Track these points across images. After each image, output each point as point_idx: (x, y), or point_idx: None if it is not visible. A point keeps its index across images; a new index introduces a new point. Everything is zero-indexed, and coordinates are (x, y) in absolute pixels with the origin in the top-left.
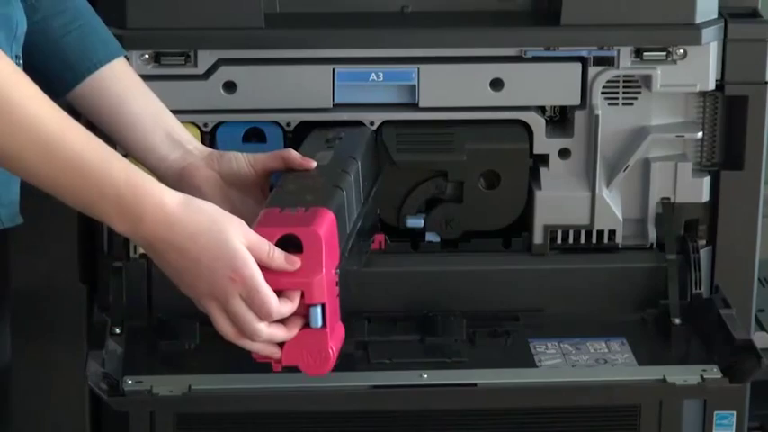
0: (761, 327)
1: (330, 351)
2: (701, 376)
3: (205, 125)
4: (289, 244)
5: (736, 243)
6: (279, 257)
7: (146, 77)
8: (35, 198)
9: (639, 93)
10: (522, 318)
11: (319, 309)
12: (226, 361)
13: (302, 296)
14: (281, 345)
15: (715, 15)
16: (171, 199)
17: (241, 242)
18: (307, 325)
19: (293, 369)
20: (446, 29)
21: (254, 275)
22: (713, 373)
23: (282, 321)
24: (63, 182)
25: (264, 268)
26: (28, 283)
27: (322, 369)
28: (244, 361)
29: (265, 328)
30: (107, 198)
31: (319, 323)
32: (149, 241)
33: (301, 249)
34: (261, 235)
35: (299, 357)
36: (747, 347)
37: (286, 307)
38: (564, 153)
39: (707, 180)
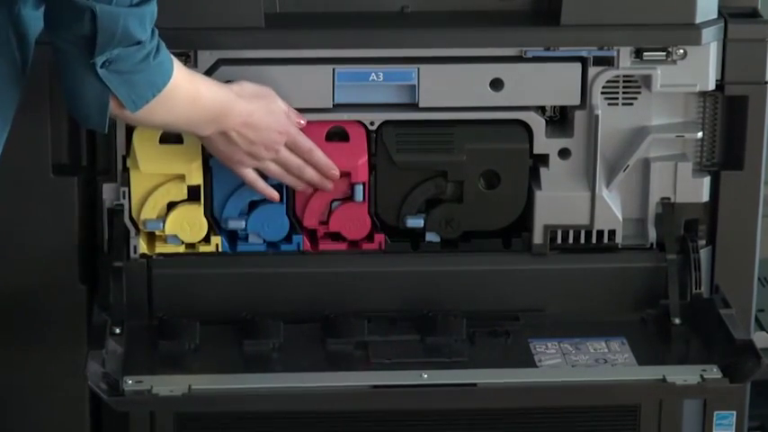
0: (761, 327)
1: (367, 220)
2: (701, 376)
3: None
4: (334, 136)
5: (736, 243)
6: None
7: None
8: (35, 198)
9: (639, 93)
10: (522, 318)
11: (362, 186)
12: (226, 361)
13: (348, 176)
14: (328, 217)
15: (715, 15)
16: (241, 103)
17: (284, 110)
18: (350, 199)
19: (293, 369)
20: (446, 29)
21: (293, 128)
22: (713, 373)
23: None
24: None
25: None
26: (28, 283)
27: (360, 234)
28: (244, 361)
29: (307, 166)
30: (211, 121)
31: (361, 198)
32: (228, 134)
33: (347, 139)
34: (313, 127)
35: (342, 225)
36: (747, 347)
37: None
38: (564, 153)
39: (707, 180)
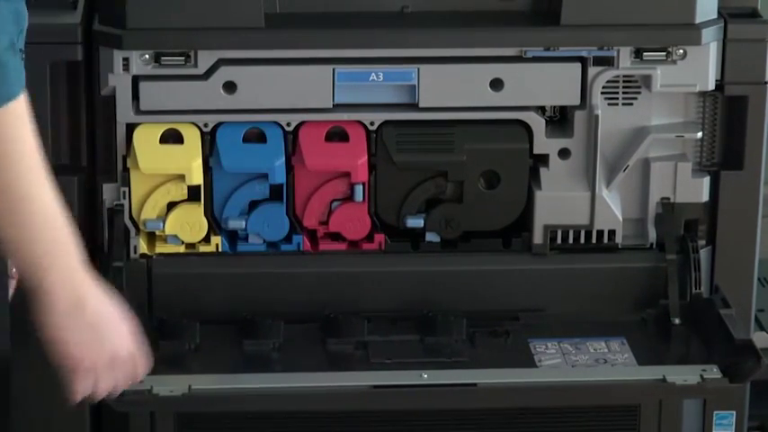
0: (761, 327)
1: (367, 220)
2: (701, 376)
3: (205, 125)
4: (334, 136)
5: (736, 243)
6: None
7: (146, 77)
8: None
9: (639, 93)
10: (522, 318)
11: (361, 186)
12: (226, 361)
13: (348, 176)
14: (328, 217)
15: (715, 15)
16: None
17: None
18: (350, 199)
19: (293, 369)
20: (446, 29)
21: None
22: (713, 373)
23: None
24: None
25: (319, 153)
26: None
27: (360, 234)
28: (244, 361)
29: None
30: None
31: (361, 198)
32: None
33: (347, 139)
34: (313, 127)
35: (342, 225)
36: (747, 347)
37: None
38: (564, 153)
39: (707, 180)
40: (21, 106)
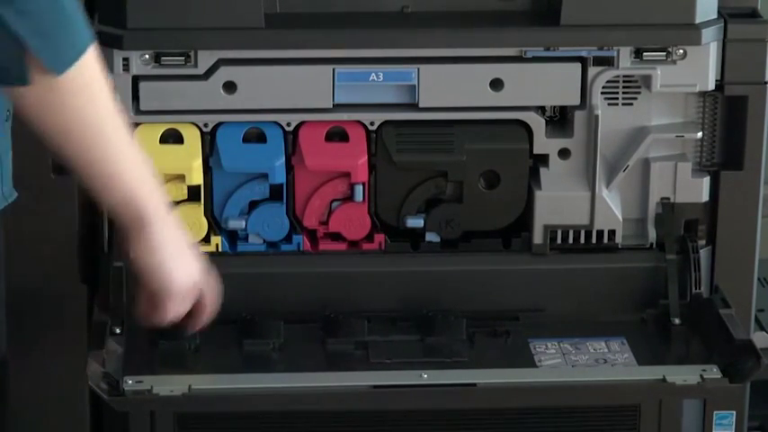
0: (761, 327)
1: (367, 220)
2: (701, 376)
3: (205, 125)
4: (334, 136)
5: (736, 243)
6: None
7: (146, 77)
8: (35, 198)
9: (639, 93)
10: (522, 318)
11: (361, 186)
12: (226, 361)
13: (348, 176)
14: (328, 217)
15: (715, 15)
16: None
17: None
18: (350, 199)
19: (293, 369)
20: (446, 29)
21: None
22: (713, 373)
23: None
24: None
25: (319, 153)
26: (28, 283)
27: (360, 234)
28: (244, 361)
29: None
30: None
31: (361, 198)
32: (152, 224)
33: (347, 139)
34: (313, 127)
35: (342, 225)
36: (747, 347)
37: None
38: (564, 153)
39: (706, 180)
40: (94, 53)
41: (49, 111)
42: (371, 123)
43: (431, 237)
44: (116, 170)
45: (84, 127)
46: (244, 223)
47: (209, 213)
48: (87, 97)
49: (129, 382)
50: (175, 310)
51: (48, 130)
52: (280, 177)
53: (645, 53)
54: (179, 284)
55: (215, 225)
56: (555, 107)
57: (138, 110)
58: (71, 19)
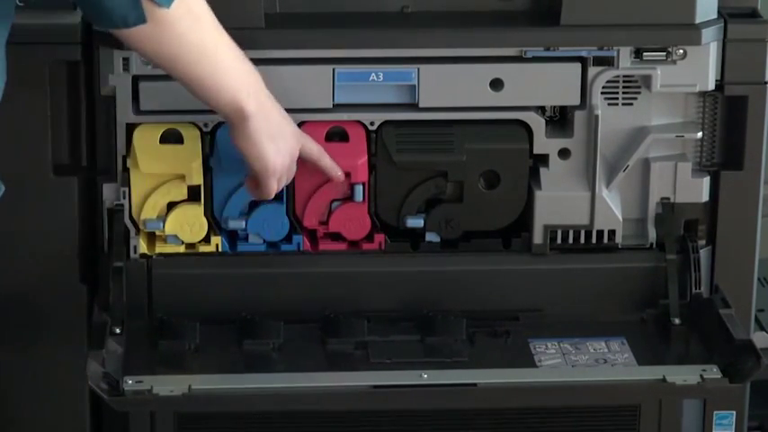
0: (761, 327)
1: (367, 220)
2: (701, 376)
3: (205, 125)
4: (334, 136)
5: (736, 243)
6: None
7: (146, 77)
8: (35, 198)
9: (639, 93)
10: (522, 318)
11: (361, 186)
12: (226, 361)
13: (348, 176)
14: (328, 217)
15: (715, 15)
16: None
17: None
18: (350, 199)
19: (293, 369)
20: (446, 29)
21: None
22: (713, 373)
23: None
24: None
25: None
26: (28, 283)
27: (360, 234)
28: (244, 361)
29: None
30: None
31: (361, 198)
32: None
33: (347, 139)
34: (313, 127)
35: (342, 225)
36: (747, 347)
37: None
38: (564, 153)
39: (706, 180)
40: None
41: (160, 41)
42: (371, 123)
43: (431, 237)
44: (220, 80)
45: (190, 49)
46: (244, 223)
47: (209, 213)
48: (191, 21)
49: (129, 382)
50: (275, 187)
51: (158, 57)
52: None
53: (645, 53)
54: (274, 167)
55: (215, 225)
56: (555, 107)
57: (138, 110)
58: None
